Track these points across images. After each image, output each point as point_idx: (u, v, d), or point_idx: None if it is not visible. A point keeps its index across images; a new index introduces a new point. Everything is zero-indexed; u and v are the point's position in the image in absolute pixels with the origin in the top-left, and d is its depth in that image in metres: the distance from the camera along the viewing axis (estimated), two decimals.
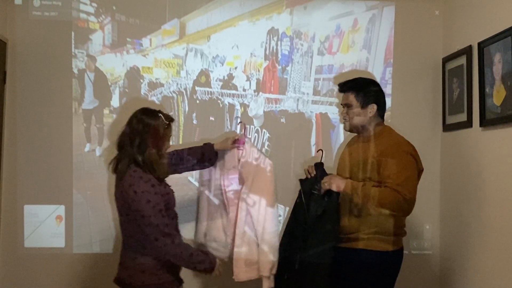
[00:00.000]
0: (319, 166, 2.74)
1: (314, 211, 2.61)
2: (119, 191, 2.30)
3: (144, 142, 2.28)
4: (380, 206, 2.43)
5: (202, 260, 2.35)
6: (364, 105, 2.60)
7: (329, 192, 2.59)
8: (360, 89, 2.62)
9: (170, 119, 2.39)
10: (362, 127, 2.64)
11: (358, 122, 2.63)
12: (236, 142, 2.85)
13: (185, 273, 2.50)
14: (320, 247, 2.55)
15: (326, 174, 2.69)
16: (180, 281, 2.44)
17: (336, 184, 2.55)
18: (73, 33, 3.28)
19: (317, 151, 2.92)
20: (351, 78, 2.73)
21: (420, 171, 2.57)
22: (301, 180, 2.79)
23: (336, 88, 3.38)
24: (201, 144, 2.88)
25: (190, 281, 2.90)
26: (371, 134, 2.63)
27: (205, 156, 2.81)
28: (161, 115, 2.34)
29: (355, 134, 2.76)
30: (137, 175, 2.25)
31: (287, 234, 2.78)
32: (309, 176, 2.76)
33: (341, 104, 2.71)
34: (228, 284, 2.82)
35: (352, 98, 2.62)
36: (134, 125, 2.31)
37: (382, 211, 2.46)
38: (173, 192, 2.42)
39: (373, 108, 2.61)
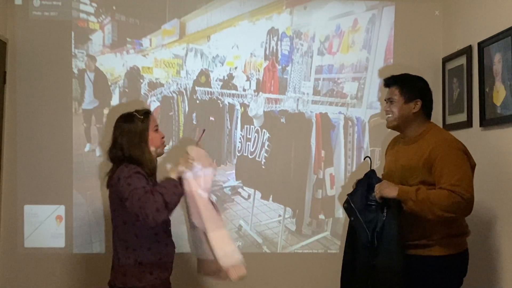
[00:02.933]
0: (371, 174, 2.52)
1: (374, 226, 2.42)
2: (111, 188, 2.34)
3: (129, 147, 2.33)
4: (439, 211, 2.26)
5: (174, 185, 2.26)
6: (408, 100, 2.45)
7: (386, 200, 2.39)
8: (405, 84, 2.48)
9: (146, 112, 2.42)
10: (405, 124, 2.48)
11: (400, 118, 2.46)
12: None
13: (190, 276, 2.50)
14: (390, 260, 2.37)
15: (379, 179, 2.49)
16: (166, 286, 2.40)
17: (387, 191, 2.37)
18: (73, 33, 3.28)
19: (364, 159, 2.72)
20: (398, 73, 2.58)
21: (473, 166, 2.40)
22: (350, 195, 2.55)
23: (336, 88, 3.41)
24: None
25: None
26: (417, 133, 2.47)
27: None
28: (135, 113, 2.39)
29: (397, 133, 2.62)
30: (123, 167, 2.30)
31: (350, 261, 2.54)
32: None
33: (385, 100, 2.54)
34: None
35: (396, 92, 2.47)
36: (115, 134, 2.38)
37: (441, 216, 2.27)
38: None
39: (417, 103, 2.45)
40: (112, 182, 2.31)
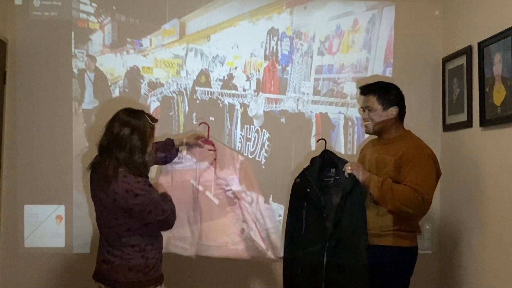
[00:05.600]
0: (327, 154, 2.72)
1: (342, 190, 2.59)
2: (110, 196, 2.24)
3: (133, 146, 2.25)
4: (398, 203, 2.47)
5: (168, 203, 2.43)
6: (385, 107, 2.63)
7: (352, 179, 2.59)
8: (382, 92, 2.65)
9: (155, 120, 2.37)
10: (383, 129, 2.66)
11: (380, 124, 2.65)
12: (200, 139, 2.86)
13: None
14: (356, 233, 2.55)
15: (341, 159, 2.68)
16: (162, 278, 2.43)
17: (360, 172, 2.57)
18: (73, 33, 3.28)
19: (317, 141, 2.89)
20: (372, 82, 2.76)
21: (438, 175, 2.62)
22: (306, 169, 2.74)
23: (336, 88, 3.40)
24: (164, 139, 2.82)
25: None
26: (392, 136, 2.65)
27: (166, 151, 2.78)
28: (146, 116, 2.33)
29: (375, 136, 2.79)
30: (131, 180, 2.24)
31: (306, 226, 2.72)
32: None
33: (362, 107, 2.73)
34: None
35: (373, 100, 2.64)
36: (121, 127, 2.26)
37: (399, 208, 2.49)
38: None
39: (394, 110, 2.63)
40: (116, 196, 2.22)
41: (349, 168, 2.60)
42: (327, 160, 2.70)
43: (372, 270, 2.53)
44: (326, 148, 2.75)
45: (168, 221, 2.37)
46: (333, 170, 2.66)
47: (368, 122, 2.68)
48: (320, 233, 2.61)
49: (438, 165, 2.62)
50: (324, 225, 2.61)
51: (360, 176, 2.57)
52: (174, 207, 2.43)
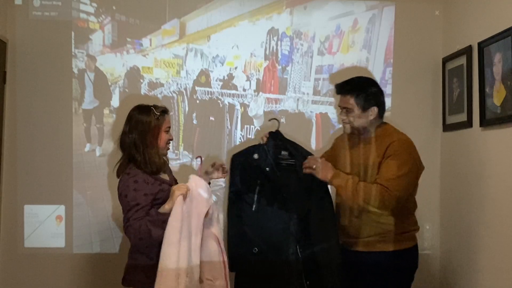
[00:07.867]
0: (279, 133, 2.57)
1: (305, 186, 2.44)
2: (118, 190, 2.32)
3: (139, 139, 2.30)
4: (362, 202, 2.37)
5: (160, 221, 2.21)
6: (364, 109, 2.47)
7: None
8: (360, 92, 2.47)
9: (163, 110, 2.38)
10: (363, 129, 2.52)
11: (359, 126, 2.50)
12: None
13: None
14: (327, 230, 2.45)
15: (293, 144, 2.51)
16: None
17: (324, 173, 2.42)
18: (73, 33, 3.28)
19: (270, 120, 2.64)
20: (348, 77, 2.59)
21: (420, 170, 2.51)
22: (266, 145, 2.56)
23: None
24: None
25: None
26: (373, 134, 2.52)
27: None
28: (153, 108, 2.35)
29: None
30: (126, 171, 2.29)
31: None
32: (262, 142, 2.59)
33: (339, 106, 2.56)
34: None
35: (351, 101, 2.47)
36: (128, 123, 2.35)
37: (362, 206, 2.39)
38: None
39: (374, 110, 2.48)
40: (118, 187, 2.30)
41: (307, 167, 2.44)
42: (278, 142, 2.54)
43: (373, 277, 2.46)
44: (278, 130, 2.58)
45: (129, 232, 2.20)
46: (284, 152, 2.49)
47: (346, 124, 2.52)
48: (280, 216, 2.47)
49: (420, 160, 2.49)
50: (285, 208, 2.45)
51: (321, 176, 2.42)
52: (143, 232, 2.18)
